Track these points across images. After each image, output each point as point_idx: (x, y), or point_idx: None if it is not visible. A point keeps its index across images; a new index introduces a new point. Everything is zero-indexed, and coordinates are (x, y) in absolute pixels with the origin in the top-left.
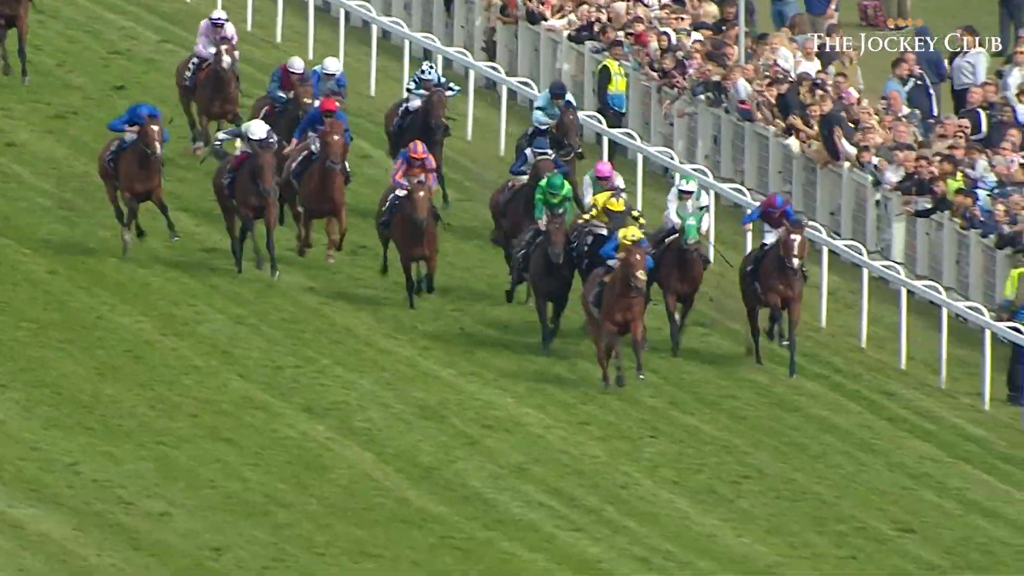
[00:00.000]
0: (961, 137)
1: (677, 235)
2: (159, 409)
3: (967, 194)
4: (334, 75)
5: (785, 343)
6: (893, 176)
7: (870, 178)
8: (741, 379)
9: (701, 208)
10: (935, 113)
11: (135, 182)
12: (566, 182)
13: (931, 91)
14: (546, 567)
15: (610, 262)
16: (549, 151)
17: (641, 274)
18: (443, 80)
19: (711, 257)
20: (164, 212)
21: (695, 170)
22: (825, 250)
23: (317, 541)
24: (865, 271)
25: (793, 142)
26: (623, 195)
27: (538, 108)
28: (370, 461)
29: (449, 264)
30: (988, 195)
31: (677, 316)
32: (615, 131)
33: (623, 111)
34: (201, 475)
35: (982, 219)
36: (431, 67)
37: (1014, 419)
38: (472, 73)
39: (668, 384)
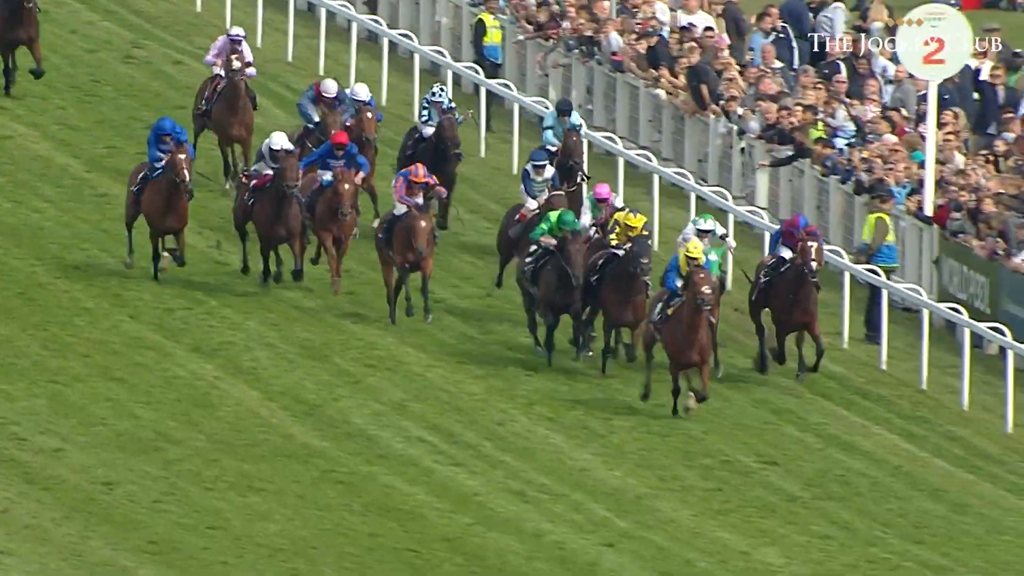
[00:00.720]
0: (822, 88)
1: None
2: (52, 349)
3: (827, 143)
4: (364, 101)
5: (808, 371)
6: (757, 125)
7: (735, 127)
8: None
9: (722, 238)
10: (796, 65)
11: (163, 218)
12: (577, 220)
13: (793, 44)
14: (425, 500)
15: (675, 283)
16: (546, 162)
17: (707, 289)
18: (452, 105)
19: (728, 284)
20: (178, 243)
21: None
22: (693, 195)
23: (205, 476)
24: (731, 216)
25: (661, 93)
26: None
27: (547, 128)
28: (256, 399)
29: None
30: (847, 144)
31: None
32: (492, 82)
33: (499, 62)
34: (93, 412)
35: (846, 168)
36: (442, 90)
37: (871, 357)
38: (355, 26)
39: (543, 325)
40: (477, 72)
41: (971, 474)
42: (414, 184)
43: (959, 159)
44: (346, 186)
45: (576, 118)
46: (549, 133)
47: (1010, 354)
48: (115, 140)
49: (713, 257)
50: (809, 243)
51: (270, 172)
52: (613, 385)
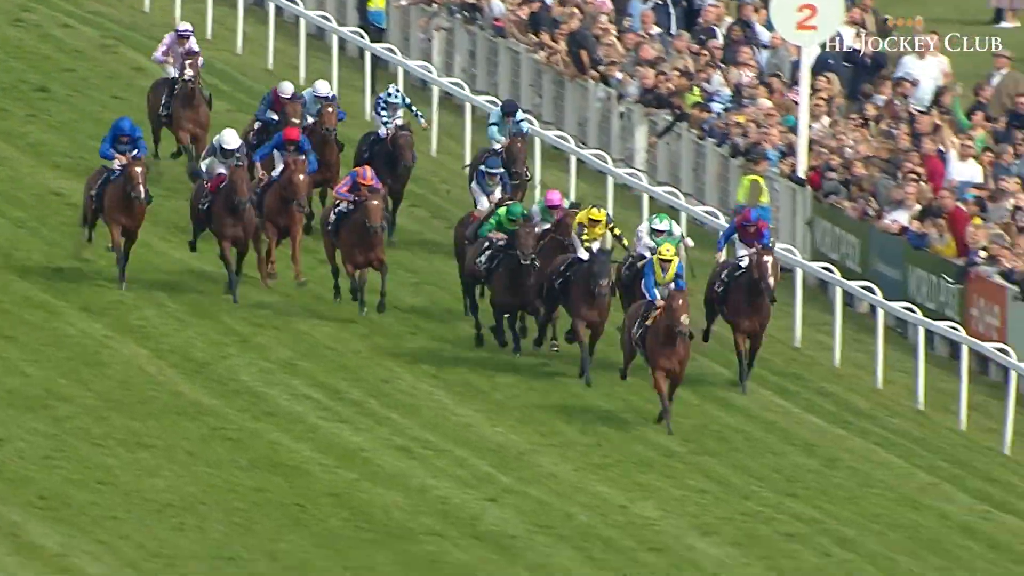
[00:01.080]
0: (700, 54)
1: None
2: None
3: (703, 107)
4: (327, 97)
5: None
6: (635, 90)
7: (614, 92)
8: None
9: (676, 240)
10: (673, 31)
11: (121, 216)
12: (525, 211)
13: (670, 10)
14: (312, 456)
15: (650, 294)
16: (501, 170)
17: (684, 319)
18: (407, 102)
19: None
20: (131, 243)
21: (452, 83)
22: (573, 159)
23: (95, 432)
24: (610, 178)
25: (541, 57)
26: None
27: (492, 124)
28: (145, 357)
29: None
30: (723, 108)
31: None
32: (376, 46)
33: (383, 27)
34: None
35: (722, 132)
36: (397, 90)
37: None
38: None
39: (427, 284)
40: (362, 37)
41: (843, 429)
42: (360, 186)
43: (831, 123)
44: (300, 176)
45: (521, 117)
46: (494, 129)
47: (880, 312)
48: (4, 103)
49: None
50: (764, 258)
51: (223, 172)
52: (494, 343)
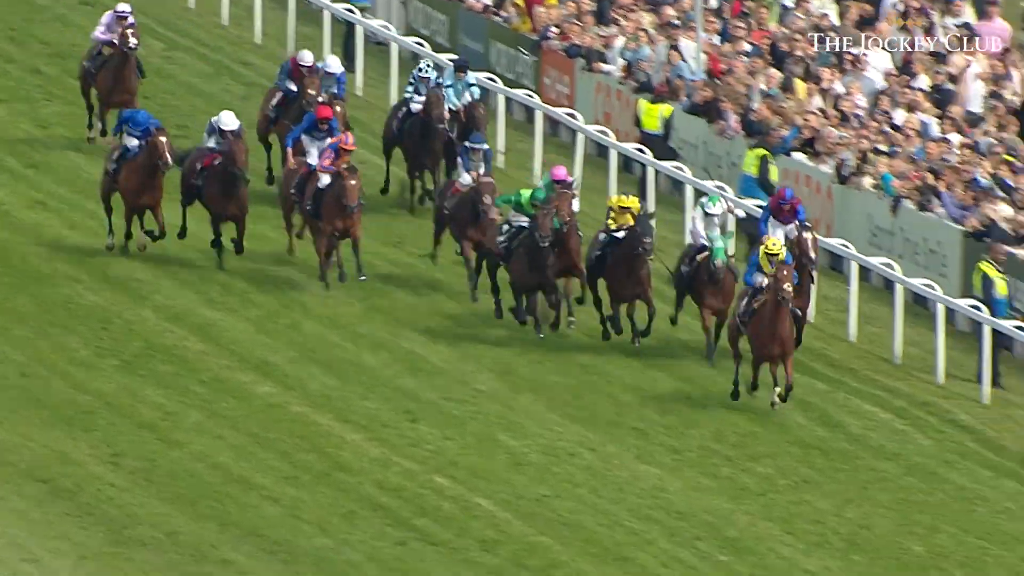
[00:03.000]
0: None
1: (707, 254)
2: None
3: None
4: (335, 74)
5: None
6: None
7: None
8: None
9: (726, 222)
10: None
11: (140, 195)
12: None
13: None
14: None
15: (755, 279)
16: (484, 145)
17: (788, 287)
18: (440, 80)
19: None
20: (156, 219)
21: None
22: None
23: None
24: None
25: None
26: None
27: (447, 86)
28: None
29: None
30: None
31: (712, 330)
32: None
33: None
34: None
35: None
36: (428, 66)
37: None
38: None
39: (160, 78)
40: None
41: None
42: (344, 152)
43: None
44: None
45: (472, 79)
46: (451, 91)
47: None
48: None
49: (719, 244)
50: (805, 235)
51: (217, 150)
52: None
